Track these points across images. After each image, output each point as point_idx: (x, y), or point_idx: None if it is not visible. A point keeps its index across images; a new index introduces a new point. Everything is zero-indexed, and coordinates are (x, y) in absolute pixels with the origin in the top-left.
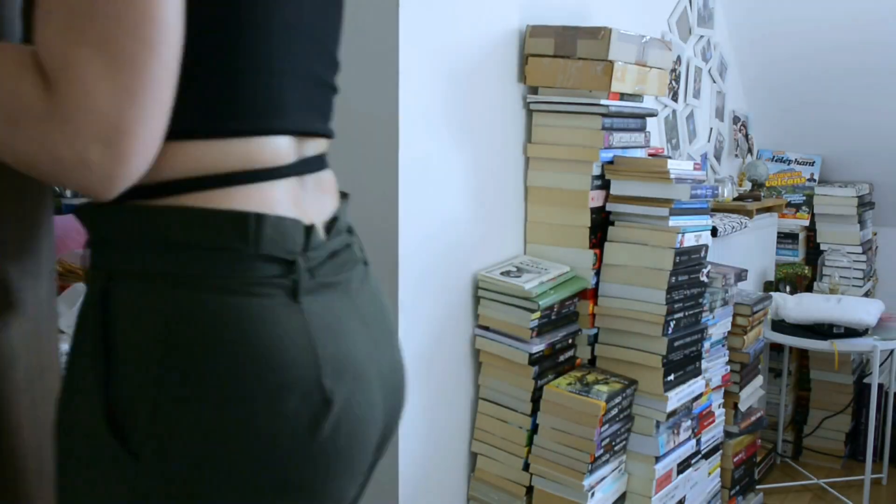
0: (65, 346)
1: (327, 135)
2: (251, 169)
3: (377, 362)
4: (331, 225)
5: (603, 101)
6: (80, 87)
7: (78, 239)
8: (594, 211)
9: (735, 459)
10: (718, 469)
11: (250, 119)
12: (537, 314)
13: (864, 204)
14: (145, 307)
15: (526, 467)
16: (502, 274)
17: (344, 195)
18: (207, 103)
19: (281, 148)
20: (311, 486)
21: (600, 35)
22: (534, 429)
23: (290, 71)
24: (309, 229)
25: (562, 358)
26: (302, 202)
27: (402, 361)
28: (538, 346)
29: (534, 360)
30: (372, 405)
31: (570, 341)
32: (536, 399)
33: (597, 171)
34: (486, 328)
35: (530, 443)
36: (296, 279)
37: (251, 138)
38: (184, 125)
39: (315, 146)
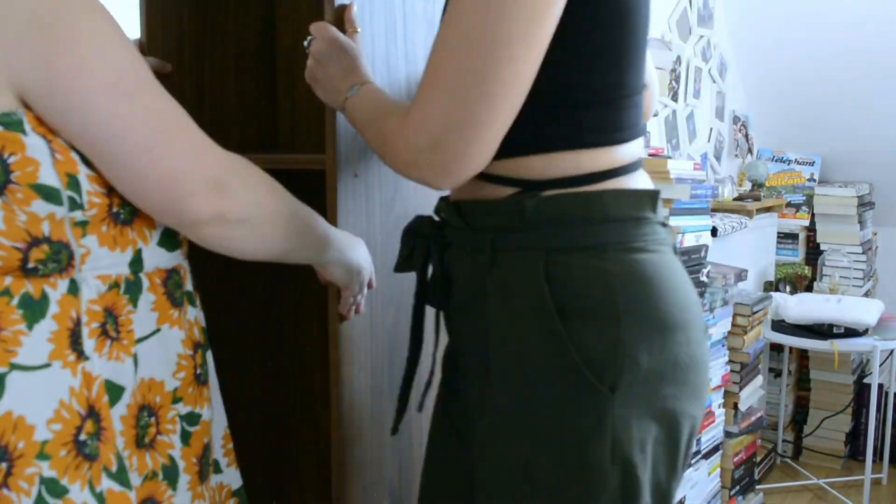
0: None
1: (643, 135)
2: (631, 162)
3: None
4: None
5: None
6: (421, 114)
7: None
8: None
9: (735, 459)
10: (718, 469)
11: (628, 130)
12: None
13: (864, 204)
14: (594, 271)
15: None
16: None
17: None
18: (606, 122)
19: (639, 146)
20: (705, 390)
21: None
22: None
23: (639, 89)
24: (658, 199)
25: None
26: (648, 180)
27: None
28: None
29: None
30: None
31: None
32: None
33: None
34: None
35: None
36: (671, 239)
37: (629, 142)
38: (595, 138)
39: (641, 141)
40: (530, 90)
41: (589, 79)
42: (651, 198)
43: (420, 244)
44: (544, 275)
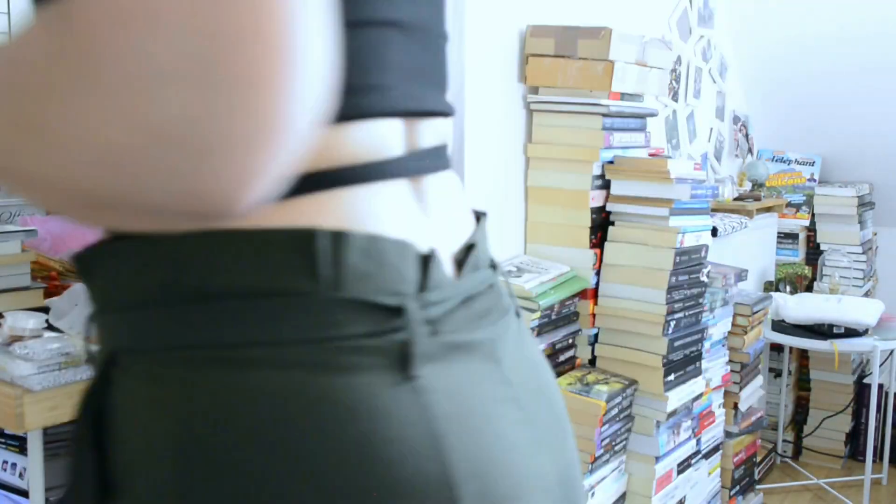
0: (65, 347)
1: (446, 112)
2: (333, 167)
3: (542, 472)
4: (464, 255)
5: (603, 101)
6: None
7: (79, 238)
8: (594, 211)
9: (735, 459)
10: (718, 469)
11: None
12: (537, 314)
13: (864, 204)
14: (152, 403)
15: None
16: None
17: (479, 215)
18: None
19: (382, 135)
20: None
21: (601, 35)
22: None
23: (392, 19)
24: (427, 258)
25: (562, 358)
26: (416, 217)
27: (578, 466)
28: (539, 346)
29: None
30: None
31: (570, 341)
32: None
33: (597, 171)
34: None
35: None
36: (407, 338)
37: (334, 123)
38: None
39: (432, 131)
40: None
41: None
42: (309, 247)
43: None
44: (100, 393)
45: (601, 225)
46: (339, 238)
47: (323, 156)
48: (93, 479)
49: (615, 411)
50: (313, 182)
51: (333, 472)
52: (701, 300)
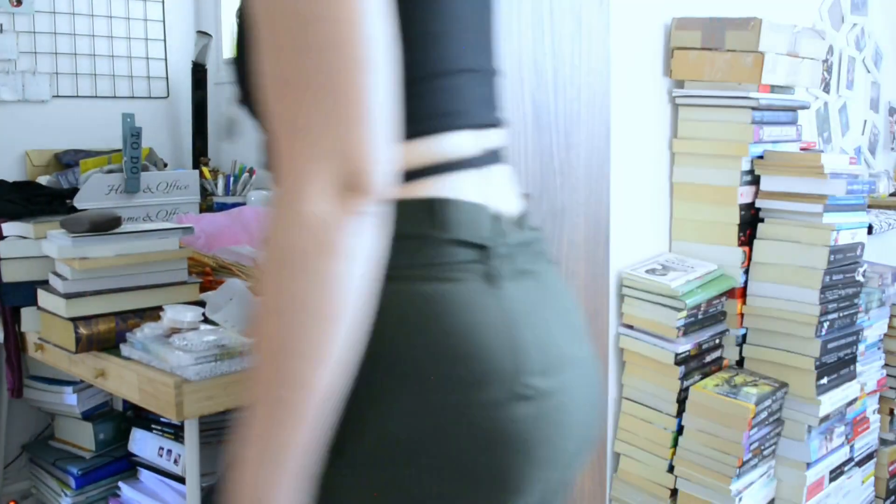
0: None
1: (501, 124)
2: (434, 163)
3: (580, 360)
4: (520, 219)
5: (752, 94)
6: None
7: (230, 236)
8: (743, 207)
9: (890, 469)
10: (872, 478)
11: (429, 120)
12: (684, 313)
13: None
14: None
15: (670, 469)
16: (647, 272)
17: (524, 196)
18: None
19: (462, 142)
20: (502, 480)
21: (750, 26)
22: (679, 430)
23: (465, 67)
24: (497, 217)
25: (708, 358)
26: (488, 193)
27: (598, 365)
28: (684, 346)
29: (680, 360)
30: (572, 406)
31: (717, 341)
32: (682, 400)
33: (746, 166)
34: (631, 327)
35: (675, 444)
36: (492, 263)
37: (432, 136)
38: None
39: (495, 138)
40: None
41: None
42: (428, 208)
43: None
44: None
45: (750, 222)
46: (445, 203)
47: (434, 154)
48: None
49: (764, 414)
50: (429, 171)
51: (442, 338)
52: (856, 300)
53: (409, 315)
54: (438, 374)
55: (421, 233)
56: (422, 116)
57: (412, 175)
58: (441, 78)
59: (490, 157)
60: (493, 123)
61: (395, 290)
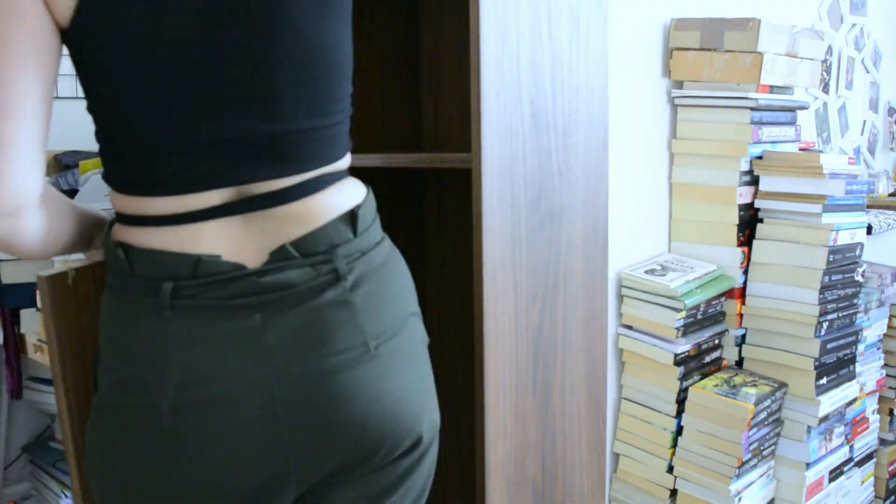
0: None
1: (220, 184)
2: (127, 214)
3: (261, 385)
4: (277, 253)
5: (751, 95)
6: None
7: None
8: (742, 208)
9: (890, 469)
10: (872, 478)
11: (124, 183)
12: (683, 313)
13: None
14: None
15: (670, 469)
16: (646, 272)
17: (352, 215)
18: (106, 167)
19: (153, 203)
20: (146, 476)
21: (749, 26)
22: (678, 431)
23: (159, 141)
24: (197, 262)
25: (708, 359)
26: (223, 237)
27: (348, 388)
28: (684, 347)
29: (679, 360)
30: (225, 425)
31: (716, 342)
32: (681, 401)
33: (745, 166)
34: (630, 327)
35: (675, 445)
36: (159, 297)
37: (128, 195)
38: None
39: (210, 199)
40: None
41: (107, 125)
42: (116, 251)
43: None
44: None
45: (749, 222)
46: (127, 249)
47: (128, 207)
48: None
49: (763, 415)
50: (124, 219)
51: (111, 342)
52: (855, 301)
53: (104, 315)
54: (99, 373)
55: (121, 268)
56: (118, 179)
57: (127, 220)
58: (132, 150)
59: (201, 215)
60: (207, 187)
61: (106, 296)
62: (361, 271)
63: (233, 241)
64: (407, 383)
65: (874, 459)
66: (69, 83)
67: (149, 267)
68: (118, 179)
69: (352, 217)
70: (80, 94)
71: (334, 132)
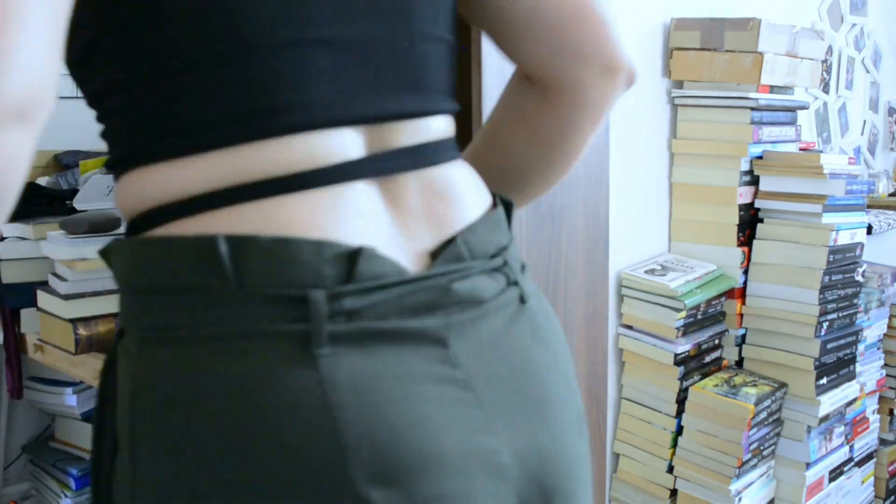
0: None
1: (423, 112)
2: (233, 185)
3: (483, 451)
4: (443, 248)
5: (752, 95)
6: None
7: None
8: (742, 208)
9: (890, 469)
10: (872, 478)
11: (229, 124)
12: (683, 313)
13: None
14: (122, 375)
15: (670, 469)
16: (647, 272)
17: (504, 204)
18: (171, 115)
19: (294, 149)
20: None
21: (749, 26)
22: (678, 430)
23: (304, 38)
24: (354, 254)
25: (708, 359)
26: (369, 217)
27: (574, 450)
28: (684, 346)
29: (679, 360)
30: None
31: (716, 342)
32: (681, 400)
33: (745, 166)
34: (630, 327)
35: (675, 445)
36: (319, 322)
37: (233, 147)
38: (149, 147)
39: (407, 132)
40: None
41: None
42: (203, 250)
43: None
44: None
45: (749, 222)
46: (239, 242)
47: (235, 172)
48: (109, 434)
49: (763, 415)
50: (227, 196)
51: (228, 433)
52: (855, 301)
53: (180, 395)
54: (228, 479)
55: (210, 285)
56: (214, 118)
57: (201, 204)
58: (253, 57)
59: (394, 160)
60: (398, 112)
61: (164, 358)
62: (536, 297)
63: (381, 226)
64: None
65: (874, 459)
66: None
67: (272, 269)
68: (191, 126)
69: (506, 209)
70: (80, 93)
71: (453, 58)
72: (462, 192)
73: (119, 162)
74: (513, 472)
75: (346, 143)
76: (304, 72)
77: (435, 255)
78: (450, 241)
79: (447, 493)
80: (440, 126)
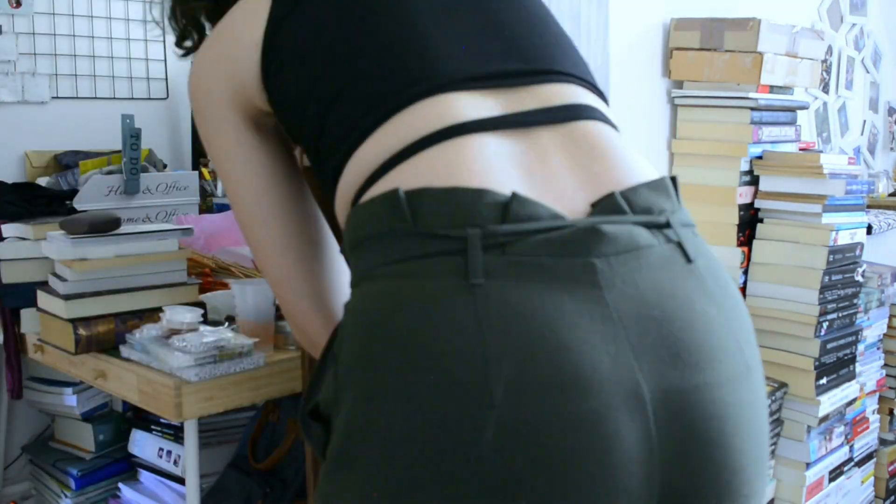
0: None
1: (551, 79)
2: (397, 151)
3: (620, 381)
4: (602, 200)
5: (752, 95)
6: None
7: (230, 237)
8: (742, 208)
9: (890, 469)
10: (872, 478)
11: (380, 101)
12: None
13: None
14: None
15: None
16: None
17: (672, 179)
18: (337, 121)
19: (440, 111)
20: None
21: (749, 26)
22: None
23: (426, 23)
24: (508, 199)
25: None
26: (510, 165)
27: (733, 400)
28: None
29: None
30: (566, 449)
31: None
32: None
33: (745, 166)
34: None
35: None
36: (473, 256)
37: (391, 119)
38: (349, 138)
39: (545, 94)
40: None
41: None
42: (389, 201)
43: None
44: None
45: (749, 222)
46: (415, 193)
47: (397, 139)
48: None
49: None
50: (396, 159)
51: (399, 338)
52: (855, 301)
53: (365, 316)
54: (398, 379)
55: (391, 228)
56: (378, 99)
57: (384, 168)
58: (394, 41)
59: (532, 117)
60: (507, 73)
61: (363, 290)
62: (706, 258)
63: (531, 175)
64: (762, 424)
65: (874, 459)
66: (69, 83)
67: (440, 212)
68: (368, 110)
69: (673, 183)
70: (80, 94)
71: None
72: (614, 152)
73: (339, 164)
74: (653, 409)
75: (485, 104)
76: (437, 48)
77: (594, 205)
78: (609, 195)
79: (578, 412)
80: (576, 93)
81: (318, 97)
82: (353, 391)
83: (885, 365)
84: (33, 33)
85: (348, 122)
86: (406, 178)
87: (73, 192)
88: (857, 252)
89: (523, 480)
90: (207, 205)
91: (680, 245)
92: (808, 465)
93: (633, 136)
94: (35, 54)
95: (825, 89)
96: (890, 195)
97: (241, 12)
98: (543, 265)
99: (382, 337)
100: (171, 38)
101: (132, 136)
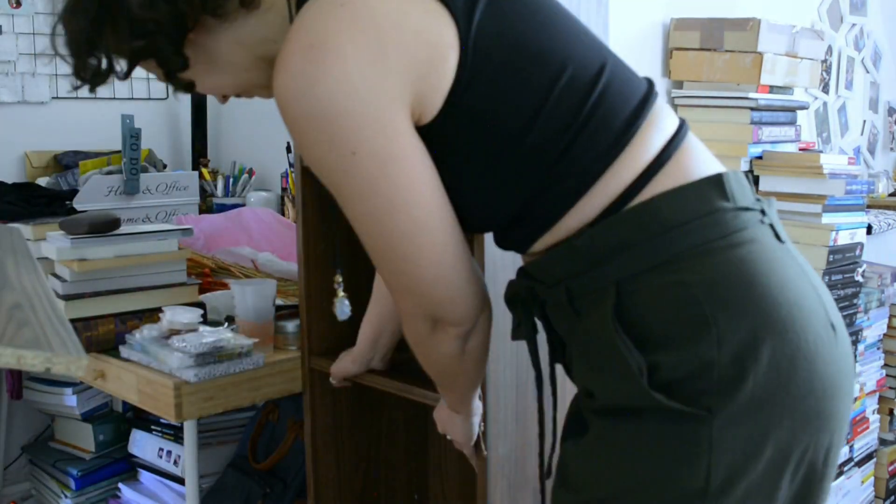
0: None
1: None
2: (654, 156)
3: (814, 307)
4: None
5: (751, 95)
6: (405, 314)
7: (230, 237)
8: None
9: (890, 469)
10: (872, 478)
11: (612, 136)
12: None
13: None
14: (669, 288)
15: None
16: None
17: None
18: (585, 152)
19: (649, 134)
20: (829, 403)
21: (749, 26)
22: None
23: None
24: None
25: None
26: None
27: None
28: None
29: None
30: (846, 357)
31: None
32: None
33: (745, 166)
34: None
35: None
36: (770, 221)
37: (629, 144)
38: (592, 165)
39: (662, 123)
40: (516, 180)
41: (537, 137)
42: (715, 184)
43: (519, 311)
44: (613, 311)
45: None
46: (717, 179)
47: (640, 158)
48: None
49: None
50: (656, 166)
51: (767, 296)
52: (855, 301)
53: (733, 276)
54: (772, 324)
55: (715, 207)
56: (606, 138)
57: (655, 167)
58: (586, 118)
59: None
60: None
61: (713, 261)
62: (790, 244)
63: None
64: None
65: (874, 459)
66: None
67: (740, 193)
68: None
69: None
70: (80, 94)
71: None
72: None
73: (581, 184)
74: (829, 327)
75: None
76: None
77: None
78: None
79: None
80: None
81: (546, 127)
82: (767, 335)
83: (885, 365)
84: (33, 33)
85: (593, 153)
86: (664, 184)
87: (73, 193)
88: (857, 252)
89: (842, 385)
90: (207, 205)
91: (773, 227)
92: None
93: None
94: (35, 54)
95: (825, 89)
96: (890, 195)
97: (418, 12)
98: (776, 226)
99: (767, 286)
100: None
101: (132, 136)
